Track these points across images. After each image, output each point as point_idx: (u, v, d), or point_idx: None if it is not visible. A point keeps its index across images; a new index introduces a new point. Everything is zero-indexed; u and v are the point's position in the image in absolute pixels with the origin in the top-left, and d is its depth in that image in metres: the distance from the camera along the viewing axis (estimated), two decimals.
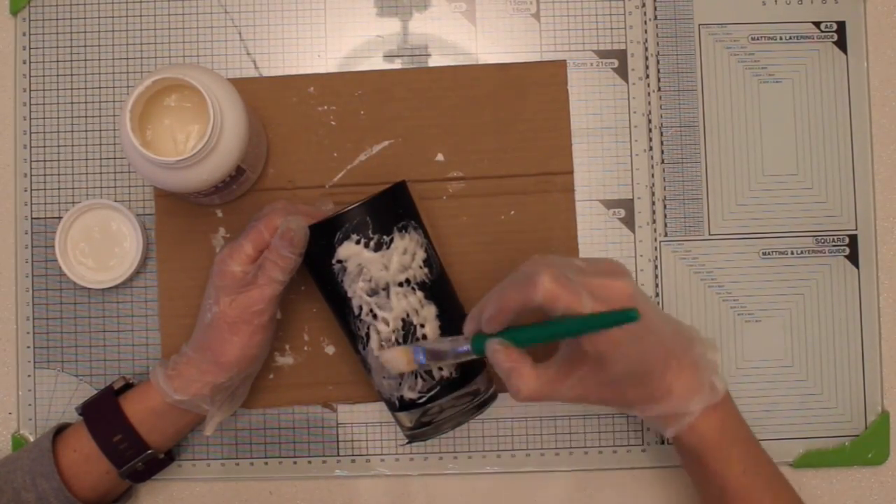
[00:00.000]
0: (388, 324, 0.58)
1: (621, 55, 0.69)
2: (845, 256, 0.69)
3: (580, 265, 0.54)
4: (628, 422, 0.68)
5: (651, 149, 0.69)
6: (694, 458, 0.58)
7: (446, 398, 0.59)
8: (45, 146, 0.69)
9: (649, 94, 0.69)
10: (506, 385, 0.54)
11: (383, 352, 0.58)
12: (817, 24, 0.69)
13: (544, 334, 0.53)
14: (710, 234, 0.69)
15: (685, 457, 0.60)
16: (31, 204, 0.68)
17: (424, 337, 0.58)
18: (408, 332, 0.58)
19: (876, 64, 0.70)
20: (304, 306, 0.68)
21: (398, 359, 0.57)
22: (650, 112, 0.69)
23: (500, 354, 0.53)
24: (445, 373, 0.59)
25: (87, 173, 0.68)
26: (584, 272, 0.53)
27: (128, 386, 0.64)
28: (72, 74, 0.69)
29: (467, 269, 0.67)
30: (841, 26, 0.69)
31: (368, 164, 0.68)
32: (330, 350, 0.68)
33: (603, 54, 0.69)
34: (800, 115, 0.69)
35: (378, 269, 0.58)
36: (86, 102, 0.69)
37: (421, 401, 0.59)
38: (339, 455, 0.68)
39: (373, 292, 0.58)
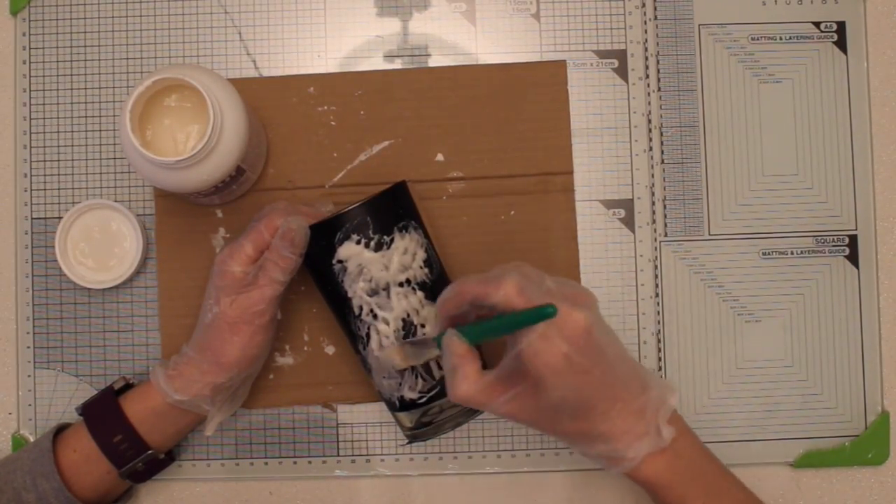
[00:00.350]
0: (388, 324, 0.58)
1: (621, 55, 0.69)
2: (845, 256, 0.69)
3: (550, 286, 0.53)
4: None
5: (651, 149, 0.69)
6: (649, 493, 0.57)
7: (446, 398, 0.59)
8: (45, 146, 0.68)
9: (649, 94, 0.69)
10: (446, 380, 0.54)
11: (382, 351, 0.58)
12: (817, 24, 0.69)
13: (485, 329, 0.53)
14: (710, 234, 0.69)
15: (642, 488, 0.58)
16: (31, 204, 0.68)
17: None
18: (408, 333, 0.58)
19: (876, 64, 0.70)
20: (304, 306, 0.68)
21: (395, 356, 0.58)
22: (650, 112, 0.69)
23: (453, 347, 0.53)
24: None
25: (87, 173, 0.68)
26: (551, 294, 0.52)
27: (128, 386, 0.64)
28: (72, 74, 0.69)
29: (467, 269, 0.67)
30: (841, 26, 0.69)
31: (368, 164, 0.68)
32: (330, 350, 0.68)
33: (603, 54, 0.69)
34: (800, 115, 0.69)
35: (378, 270, 0.58)
36: (86, 102, 0.69)
37: (421, 401, 0.59)
38: (339, 455, 0.68)
39: (373, 292, 0.58)
